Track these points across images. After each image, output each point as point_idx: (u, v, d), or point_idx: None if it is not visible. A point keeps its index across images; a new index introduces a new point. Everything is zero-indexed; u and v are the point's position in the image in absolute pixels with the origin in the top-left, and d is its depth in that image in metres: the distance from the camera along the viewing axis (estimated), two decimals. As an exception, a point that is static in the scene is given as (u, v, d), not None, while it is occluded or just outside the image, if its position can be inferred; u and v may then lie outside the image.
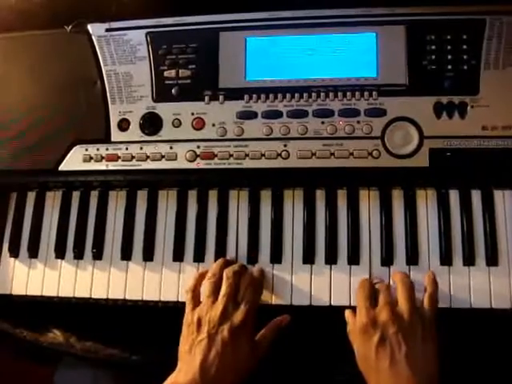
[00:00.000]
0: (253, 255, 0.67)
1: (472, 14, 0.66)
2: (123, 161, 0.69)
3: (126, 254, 0.69)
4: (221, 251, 0.68)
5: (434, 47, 0.66)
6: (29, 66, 0.73)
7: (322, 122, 0.67)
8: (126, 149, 0.69)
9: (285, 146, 0.67)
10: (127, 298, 0.68)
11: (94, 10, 0.74)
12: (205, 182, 0.70)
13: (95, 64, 0.71)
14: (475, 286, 0.63)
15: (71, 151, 0.70)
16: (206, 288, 0.63)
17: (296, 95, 0.67)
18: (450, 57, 0.65)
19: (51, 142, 0.70)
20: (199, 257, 0.68)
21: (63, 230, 0.71)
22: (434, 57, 0.66)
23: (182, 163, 0.68)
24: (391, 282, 0.64)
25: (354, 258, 0.65)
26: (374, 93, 0.66)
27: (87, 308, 0.69)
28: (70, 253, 0.70)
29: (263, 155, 0.67)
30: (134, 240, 0.69)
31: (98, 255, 0.70)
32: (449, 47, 0.65)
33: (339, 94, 0.67)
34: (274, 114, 0.67)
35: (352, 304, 0.63)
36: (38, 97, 0.72)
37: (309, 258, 0.66)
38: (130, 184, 0.71)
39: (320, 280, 0.65)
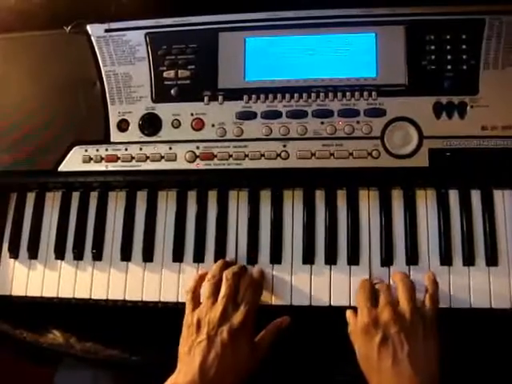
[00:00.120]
0: (252, 255, 0.67)
1: (471, 14, 0.66)
2: (123, 161, 0.69)
3: (126, 255, 0.69)
4: (220, 252, 0.68)
5: (433, 47, 0.66)
6: (28, 66, 0.73)
7: (322, 123, 0.67)
8: (126, 149, 0.69)
9: (284, 146, 0.67)
10: (127, 298, 0.68)
11: (93, 11, 0.73)
12: (204, 183, 0.70)
13: (94, 65, 0.70)
14: (475, 286, 0.63)
15: (71, 152, 0.70)
16: (205, 289, 0.63)
17: (295, 95, 0.67)
18: (449, 57, 0.65)
19: (51, 143, 0.70)
20: (199, 257, 0.68)
21: (63, 231, 0.71)
22: (433, 57, 0.66)
23: (181, 164, 0.68)
24: (391, 283, 0.64)
25: (353, 259, 0.65)
26: (373, 93, 0.66)
27: (87, 309, 0.69)
28: (69, 253, 0.70)
29: (263, 155, 0.67)
30: (134, 241, 0.69)
31: (97, 256, 0.70)
32: (448, 47, 0.65)
33: (339, 94, 0.67)
34: (274, 115, 0.67)
35: (352, 304, 0.63)
36: (38, 97, 0.72)
37: (308, 258, 0.66)
38: (130, 185, 0.71)
39: (320, 280, 0.65)
